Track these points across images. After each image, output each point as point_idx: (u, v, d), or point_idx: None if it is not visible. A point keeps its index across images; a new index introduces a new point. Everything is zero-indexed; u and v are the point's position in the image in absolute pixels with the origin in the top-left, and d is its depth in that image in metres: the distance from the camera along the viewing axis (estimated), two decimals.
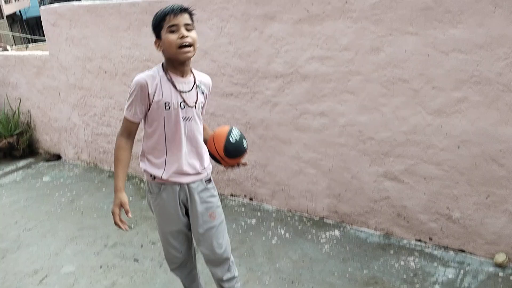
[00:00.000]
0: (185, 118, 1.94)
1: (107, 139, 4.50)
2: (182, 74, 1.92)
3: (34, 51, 5.01)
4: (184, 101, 1.91)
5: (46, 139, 5.16)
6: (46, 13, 4.48)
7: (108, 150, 4.54)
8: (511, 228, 2.62)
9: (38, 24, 25.75)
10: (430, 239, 2.93)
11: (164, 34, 1.82)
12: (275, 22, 3.08)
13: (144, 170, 2.04)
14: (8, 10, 21.74)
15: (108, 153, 4.57)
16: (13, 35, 19.90)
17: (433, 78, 2.65)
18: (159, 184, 2.04)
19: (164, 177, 1.98)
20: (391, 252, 2.92)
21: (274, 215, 3.47)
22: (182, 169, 1.99)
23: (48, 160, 5.05)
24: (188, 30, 1.83)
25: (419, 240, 2.98)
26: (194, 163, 2.02)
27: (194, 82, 1.96)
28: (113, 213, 1.97)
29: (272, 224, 3.34)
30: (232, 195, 3.79)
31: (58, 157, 5.09)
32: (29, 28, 27.60)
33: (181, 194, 2.04)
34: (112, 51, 4.06)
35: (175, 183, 2.01)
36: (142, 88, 1.85)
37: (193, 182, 2.04)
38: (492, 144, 2.56)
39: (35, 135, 5.23)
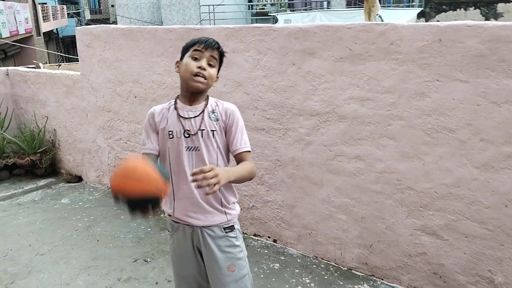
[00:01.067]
0: (189, 148, 1.79)
1: None
2: (191, 103, 1.82)
3: (65, 71, 5.01)
4: (186, 129, 1.78)
5: (69, 160, 5.10)
6: (81, 33, 4.48)
7: None
8: None
9: (73, 43, 26.50)
10: None
11: (187, 58, 1.79)
12: (315, 58, 2.96)
13: None
14: (45, 27, 22.45)
15: None
16: (48, 53, 20.45)
17: (482, 129, 2.46)
18: (172, 222, 1.90)
19: (175, 215, 1.85)
20: None
21: (299, 260, 3.26)
22: (189, 208, 1.82)
23: (69, 181, 4.97)
24: (210, 65, 1.78)
25: None
26: (206, 203, 1.81)
27: (204, 109, 1.81)
28: None
29: (297, 270, 3.13)
30: (255, 235, 3.59)
31: (79, 178, 5.01)
32: (64, 46, 28.42)
33: (194, 237, 1.85)
34: (144, 76, 4.00)
35: (186, 224, 1.84)
36: (151, 116, 1.86)
37: (207, 226, 1.83)
38: None
39: (59, 155, 5.17)
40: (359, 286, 2.95)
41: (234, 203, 1.89)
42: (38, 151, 4.97)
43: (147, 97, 4.05)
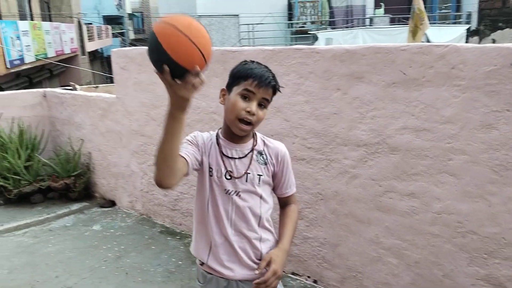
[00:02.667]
0: (229, 191, 1.59)
1: (163, 192, 4.21)
2: (236, 141, 1.62)
3: (101, 93, 4.92)
4: (228, 169, 1.58)
5: (103, 183, 4.98)
6: (116, 55, 4.38)
7: (163, 203, 4.24)
8: None
9: None
10: None
11: (235, 92, 1.55)
12: (363, 83, 2.68)
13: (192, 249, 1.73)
14: (90, 47, 23.15)
15: (162, 206, 4.27)
16: (93, 72, 21.03)
17: None
18: (205, 272, 1.67)
19: (209, 264, 1.62)
20: None
21: None
22: (225, 258, 1.61)
23: (102, 205, 4.84)
24: (260, 105, 1.55)
25: None
26: (245, 254, 1.61)
27: (252, 150, 1.61)
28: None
29: None
30: (293, 273, 3.28)
31: (112, 203, 4.87)
32: (109, 65, 29.27)
33: None
34: None
35: (221, 276, 1.62)
36: (198, 137, 1.63)
37: (245, 280, 1.61)
38: None
39: (93, 178, 5.07)
40: None
41: None
42: (73, 174, 4.87)
43: None
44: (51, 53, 15.18)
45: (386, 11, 16.47)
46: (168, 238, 4.01)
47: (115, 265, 3.55)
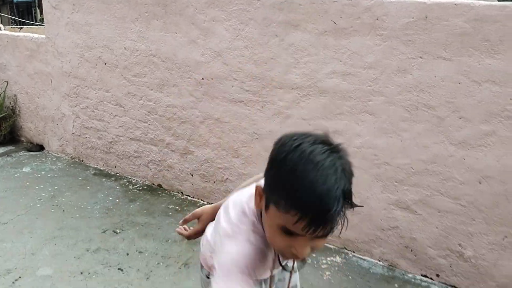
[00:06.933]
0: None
1: (97, 134, 4.23)
2: None
3: (29, 33, 4.71)
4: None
5: (30, 127, 4.85)
6: None
7: (97, 146, 4.27)
8: None
9: (28, 9, 25.10)
10: (437, 275, 2.78)
11: (272, 218, 0.97)
12: (298, 30, 2.92)
13: None
14: None
15: (96, 149, 4.30)
16: (0, 16, 19.28)
17: (461, 107, 2.51)
18: None
19: None
20: (396, 286, 2.75)
21: None
22: None
23: (29, 149, 4.74)
24: (315, 239, 0.94)
25: (425, 276, 2.82)
26: None
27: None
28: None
29: None
30: None
31: (41, 147, 4.78)
32: (18, 12, 26.90)
33: None
34: (115, 42, 3.83)
35: None
36: (249, 267, 1.01)
37: None
38: None
39: (19, 122, 4.91)
40: (332, 258, 2.99)
41: None
42: None
43: (118, 64, 3.88)
44: None
45: None
46: (103, 180, 4.08)
47: (51, 203, 3.58)
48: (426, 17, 2.50)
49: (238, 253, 1.02)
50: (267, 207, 0.98)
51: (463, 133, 2.53)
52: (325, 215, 0.87)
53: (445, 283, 2.75)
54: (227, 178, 3.49)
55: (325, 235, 0.92)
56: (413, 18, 2.54)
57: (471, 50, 2.42)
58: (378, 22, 2.66)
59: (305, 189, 0.87)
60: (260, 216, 1.07)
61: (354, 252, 3.05)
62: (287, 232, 0.93)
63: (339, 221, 0.91)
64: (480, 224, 2.58)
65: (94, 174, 4.21)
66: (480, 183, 2.54)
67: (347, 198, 0.90)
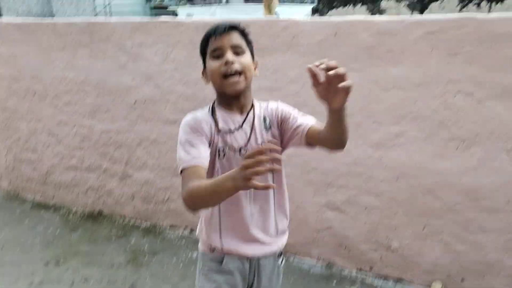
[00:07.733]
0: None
1: (31, 166, 4.16)
2: (238, 110, 1.50)
3: None
4: (226, 144, 1.45)
5: None
6: None
7: (33, 177, 4.20)
8: (446, 257, 2.77)
9: None
10: (371, 268, 3.01)
11: (208, 61, 1.44)
12: None
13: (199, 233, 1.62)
14: None
15: (32, 181, 4.22)
16: None
17: (374, 113, 2.77)
18: (218, 256, 1.56)
19: (225, 246, 1.52)
20: (334, 282, 2.95)
21: None
22: (241, 238, 1.52)
23: None
24: (237, 53, 1.40)
25: (360, 270, 3.04)
26: (262, 231, 1.55)
27: (253, 119, 1.50)
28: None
29: None
30: (171, 226, 3.64)
31: None
32: None
33: (246, 271, 1.57)
34: (44, 72, 3.81)
35: (238, 256, 1.54)
36: (196, 123, 1.45)
37: (263, 257, 1.58)
38: (428, 177, 2.71)
39: None
40: None
41: (285, 229, 1.67)
42: None
43: (48, 93, 3.86)
44: None
45: None
46: (42, 211, 4.01)
47: None
48: (335, 34, 2.75)
49: (187, 117, 1.50)
50: (205, 64, 1.48)
51: (377, 135, 2.79)
52: (225, 25, 1.40)
53: (379, 274, 2.98)
54: (168, 198, 3.57)
55: (238, 45, 1.41)
56: (325, 35, 2.78)
57: (377, 61, 2.69)
58: (295, 39, 2.88)
59: (208, 30, 1.43)
60: (213, 106, 1.53)
61: (295, 255, 3.23)
62: (216, 55, 1.40)
63: (242, 37, 1.44)
64: (401, 217, 2.84)
65: (32, 207, 4.13)
66: (397, 179, 2.80)
67: (235, 25, 1.43)
